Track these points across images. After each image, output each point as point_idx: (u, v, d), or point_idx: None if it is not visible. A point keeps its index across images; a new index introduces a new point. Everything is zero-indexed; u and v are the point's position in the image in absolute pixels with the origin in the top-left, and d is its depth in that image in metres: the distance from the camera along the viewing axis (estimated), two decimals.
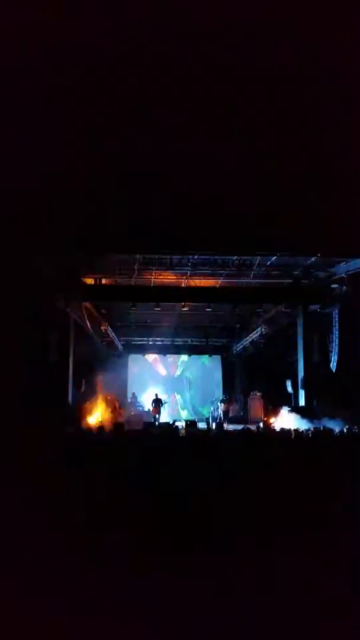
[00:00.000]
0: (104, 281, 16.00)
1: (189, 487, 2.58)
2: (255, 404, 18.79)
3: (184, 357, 22.64)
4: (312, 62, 10.58)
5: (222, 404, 17.59)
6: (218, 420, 16.62)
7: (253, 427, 13.27)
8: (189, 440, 5.81)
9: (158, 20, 9.49)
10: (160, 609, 1.88)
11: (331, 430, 9.92)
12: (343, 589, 1.98)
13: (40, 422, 12.26)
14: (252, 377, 21.88)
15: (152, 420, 16.78)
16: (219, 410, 17.57)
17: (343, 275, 14.95)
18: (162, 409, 17.48)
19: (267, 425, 14.24)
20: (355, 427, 10.80)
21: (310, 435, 8.09)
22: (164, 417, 17.87)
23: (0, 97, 9.81)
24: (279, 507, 2.67)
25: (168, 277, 16.37)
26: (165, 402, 17.68)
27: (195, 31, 10.06)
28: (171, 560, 2.04)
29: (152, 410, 17.65)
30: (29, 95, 10.25)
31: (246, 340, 21.56)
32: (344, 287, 15.01)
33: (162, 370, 22.68)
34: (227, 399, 17.96)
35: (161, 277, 16.31)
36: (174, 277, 16.36)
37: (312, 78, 10.92)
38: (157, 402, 17.59)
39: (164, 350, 22.31)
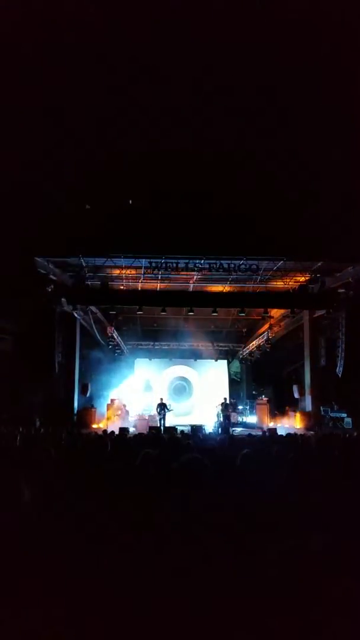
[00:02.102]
0: (110, 285, 16.04)
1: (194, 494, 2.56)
2: (262, 409, 18.70)
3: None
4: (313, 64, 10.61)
5: (225, 409, 17.47)
6: (224, 425, 16.53)
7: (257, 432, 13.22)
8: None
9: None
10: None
11: (338, 433, 9.84)
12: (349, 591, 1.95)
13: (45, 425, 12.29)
14: (258, 382, 21.82)
15: (158, 424, 16.73)
16: (223, 415, 17.45)
17: (350, 279, 14.89)
18: (166, 413, 17.42)
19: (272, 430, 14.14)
20: None
21: (317, 439, 8.01)
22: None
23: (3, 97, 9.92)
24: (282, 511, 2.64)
25: (174, 282, 16.39)
26: (171, 409, 17.60)
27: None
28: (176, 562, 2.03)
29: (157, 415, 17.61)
30: (34, 96, 10.34)
31: (252, 345, 21.50)
32: (351, 292, 14.95)
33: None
34: (228, 404, 17.83)
35: (167, 281, 16.33)
36: (181, 282, 16.38)
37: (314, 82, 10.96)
38: (162, 407, 17.54)
39: (170, 355, 22.29)
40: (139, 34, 10.01)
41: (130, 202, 12.00)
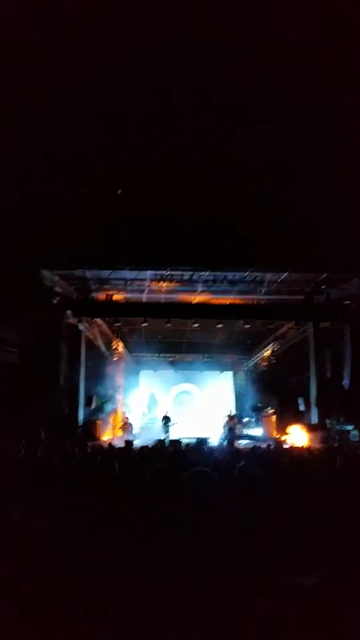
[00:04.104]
0: (115, 297, 16.10)
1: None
2: (268, 422, 18.58)
3: None
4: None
5: (229, 420, 17.36)
6: (229, 438, 16.43)
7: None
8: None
9: None
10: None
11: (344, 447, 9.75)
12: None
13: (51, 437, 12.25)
14: (264, 394, 21.69)
15: (163, 437, 16.67)
16: (227, 427, 17.34)
17: (355, 291, 14.86)
18: (170, 426, 17.36)
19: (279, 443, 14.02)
20: None
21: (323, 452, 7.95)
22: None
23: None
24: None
25: (179, 294, 16.42)
26: (175, 423, 17.54)
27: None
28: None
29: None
30: (34, 101, 10.46)
31: (257, 357, 21.43)
32: (356, 304, 14.90)
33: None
34: (231, 416, 17.71)
35: (172, 293, 16.36)
36: (185, 294, 16.41)
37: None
38: (167, 420, 17.49)
39: (174, 367, 22.24)
40: (138, 36, 10.15)
41: (120, 192, 11.99)
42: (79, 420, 16.13)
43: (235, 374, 23.31)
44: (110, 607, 1.90)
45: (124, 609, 1.89)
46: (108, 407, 18.99)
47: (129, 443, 11.24)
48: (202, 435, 16.79)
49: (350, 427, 15.67)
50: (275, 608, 1.84)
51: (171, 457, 6.44)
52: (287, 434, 17.07)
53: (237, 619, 1.81)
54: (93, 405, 17.63)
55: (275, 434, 17.69)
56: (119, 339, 18.35)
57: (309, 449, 10.00)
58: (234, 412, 18.46)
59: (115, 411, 18.73)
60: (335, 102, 11.18)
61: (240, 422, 19.16)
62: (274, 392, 20.56)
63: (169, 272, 14.64)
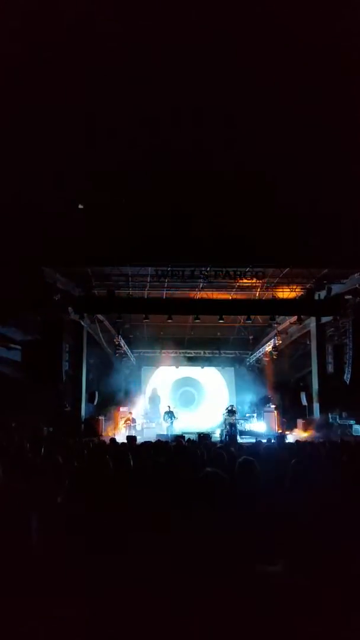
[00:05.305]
0: (117, 293, 16.12)
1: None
2: (270, 417, 18.61)
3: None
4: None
5: (230, 416, 17.38)
6: (231, 433, 16.45)
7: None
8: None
9: None
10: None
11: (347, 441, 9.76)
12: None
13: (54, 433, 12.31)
14: (265, 389, 21.74)
15: (165, 432, 16.71)
16: (227, 422, 17.36)
17: (357, 286, 14.85)
18: (173, 421, 17.41)
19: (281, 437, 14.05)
20: None
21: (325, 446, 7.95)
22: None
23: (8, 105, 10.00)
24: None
25: (181, 289, 16.43)
26: (176, 418, 17.59)
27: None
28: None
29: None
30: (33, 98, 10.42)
31: (259, 352, 21.44)
32: (358, 298, 14.90)
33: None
34: (234, 411, 17.74)
35: (174, 289, 16.37)
36: (187, 289, 16.41)
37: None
38: (170, 415, 17.53)
39: (176, 362, 22.28)
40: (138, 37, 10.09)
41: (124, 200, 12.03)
42: (82, 417, 16.19)
43: (237, 369, 23.35)
44: (111, 605, 1.93)
45: (125, 608, 1.91)
46: (110, 403, 19.03)
47: (131, 439, 11.27)
48: (204, 430, 16.84)
49: (352, 422, 15.70)
50: (277, 608, 1.86)
51: (174, 453, 6.46)
52: (289, 428, 17.12)
53: (238, 619, 1.83)
54: (95, 402, 17.69)
55: (277, 429, 17.73)
56: (120, 336, 18.37)
57: (311, 443, 10.01)
58: (235, 407, 18.46)
59: (117, 407, 18.77)
60: (336, 99, 11.12)
61: (243, 417, 19.20)
62: (276, 387, 20.61)
63: (170, 268, 14.64)
